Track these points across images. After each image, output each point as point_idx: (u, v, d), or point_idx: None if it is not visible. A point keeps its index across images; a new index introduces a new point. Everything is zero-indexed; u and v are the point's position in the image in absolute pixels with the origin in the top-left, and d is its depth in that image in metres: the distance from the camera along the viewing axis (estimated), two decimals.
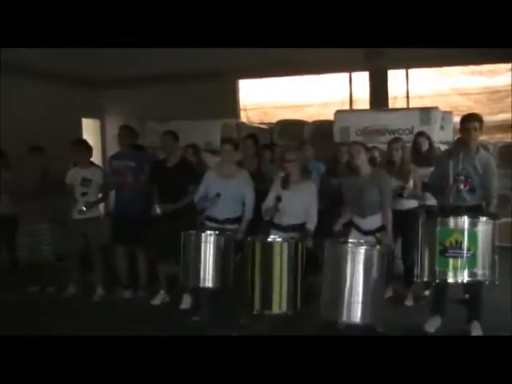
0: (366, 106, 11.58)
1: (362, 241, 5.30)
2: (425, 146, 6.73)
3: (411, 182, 6.17)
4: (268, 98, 12.52)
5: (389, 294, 6.27)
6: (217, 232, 5.74)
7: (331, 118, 10.54)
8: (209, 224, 6.04)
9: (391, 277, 6.01)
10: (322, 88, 12.22)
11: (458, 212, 4.93)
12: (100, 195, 7.11)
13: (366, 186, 5.50)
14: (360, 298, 4.98)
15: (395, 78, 11.77)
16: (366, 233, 5.54)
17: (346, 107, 11.87)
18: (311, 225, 5.65)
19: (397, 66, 11.51)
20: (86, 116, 12.73)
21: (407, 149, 6.56)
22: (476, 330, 5.19)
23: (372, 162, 5.70)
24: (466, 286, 5.28)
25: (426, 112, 8.01)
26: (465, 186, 5.23)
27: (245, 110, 12.44)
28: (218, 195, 5.90)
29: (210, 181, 6.09)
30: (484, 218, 4.80)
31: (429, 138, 6.80)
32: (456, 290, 5.66)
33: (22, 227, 7.37)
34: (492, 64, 11.53)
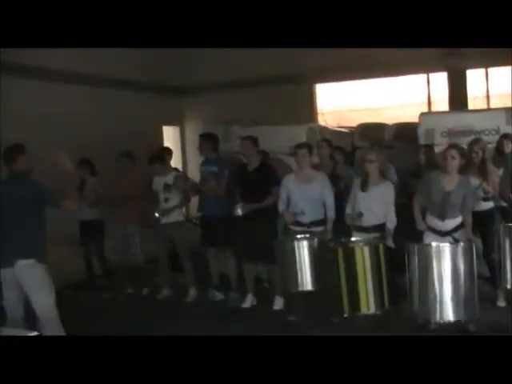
0: (445, 107, 11.44)
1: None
2: (508, 149, 6.67)
3: (491, 184, 6.13)
4: (344, 101, 12.51)
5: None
6: (307, 235, 5.89)
7: (409, 119, 10.55)
8: (295, 228, 6.19)
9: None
10: (399, 90, 12.11)
11: None
12: (180, 200, 7.31)
13: (452, 190, 5.50)
14: (450, 297, 5.04)
15: (474, 78, 11.56)
16: (443, 234, 5.55)
17: (424, 109, 11.73)
18: (391, 225, 5.75)
19: (475, 65, 11.33)
20: (167, 123, 13.06)
21: (488, 150, 6.51)
22: None
23: (462, 167, 5.68)
24: None
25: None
26: None
27: (322, 114, 12.48)
28: (303, 213, 6.05)
29: (289, 186, 6.24)
30: None
31: None
32: None
33: (111, 231, 7.69)
34: None
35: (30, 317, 4.82)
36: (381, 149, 7.19)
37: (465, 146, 6.64)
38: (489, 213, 6.25)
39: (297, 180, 6.26)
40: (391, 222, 5.76)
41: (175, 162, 10.28)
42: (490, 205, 6.31)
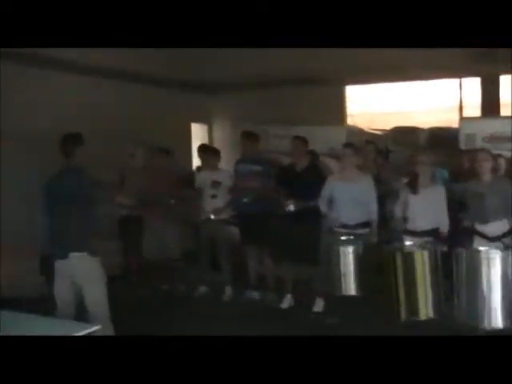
0: (477, 111, 11.36)
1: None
2: None
3: None
4: (374, 104, 12.46)
5: None
6: (352, 237, 5.84)
7: (441, 124, 10.53)
8: (340, 230, 6.11)
9: None
10: (430, 94, 12.06)
11: None
12: (228, 198, 7.25)
13: (486, 192, 5.46)
14: (499, 303, 5.00)
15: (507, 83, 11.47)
16: (491, 239, 5.48)
17: (455, 113, 11.69)
18: (445, 228, 5.67)
19: (509, 70, 11.24)
20: (195, 121, 13.03)
21: None
22: None
23: (494, 170, 5.67)
24: None
25: None
26: None
27: (351, 116, 12.43)
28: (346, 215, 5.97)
29: (333, 186, 6.17)
30: None
31: None
32: None
33: (148, 228, 7.64)
34: None
35: (81, 309, 4.82)
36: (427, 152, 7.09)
37: (508, 153, 6.65)
38: None
39: (341, 180, 6.18)
40: (445, 226, 5.69)
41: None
42: None
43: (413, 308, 5.24)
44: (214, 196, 7.14)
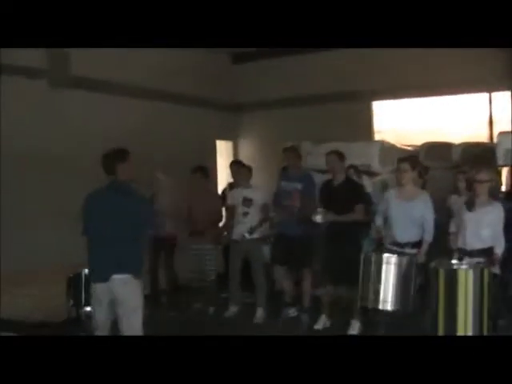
0: (508, 127, 11.14)
1: None
2: None
3: None
4: (402, 119, 12.27)
5: None
6: (398, 253, 5.62)
7: (472, 139, 10.32)
8: (388, 247, 5.84)
9: None
10: (459, 109, 11.85)
11: None
12: (261, 216, 7.07)
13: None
14: None
15: None
16: None
17: (485, 128, 11.50)
18: (499, 249, 5.37)
19: None
20: (220, 138, 12.98)
21: None
22: None
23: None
24: None
25: None
26: None
27: (379, 132, 12.26)
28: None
29: (389, 202, 5.90)
30: None
31: None
32: None
33: (182, 247, 7.48)
34: None
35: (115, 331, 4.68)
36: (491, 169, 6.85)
37: None
38: None
39: (398, 196, 5.89)
40: (500, 247, 5.38)
41: (228, 176, 10.06)
42: None
43: (451, 325, 5.00)
44: (245, 214, 6.97)
